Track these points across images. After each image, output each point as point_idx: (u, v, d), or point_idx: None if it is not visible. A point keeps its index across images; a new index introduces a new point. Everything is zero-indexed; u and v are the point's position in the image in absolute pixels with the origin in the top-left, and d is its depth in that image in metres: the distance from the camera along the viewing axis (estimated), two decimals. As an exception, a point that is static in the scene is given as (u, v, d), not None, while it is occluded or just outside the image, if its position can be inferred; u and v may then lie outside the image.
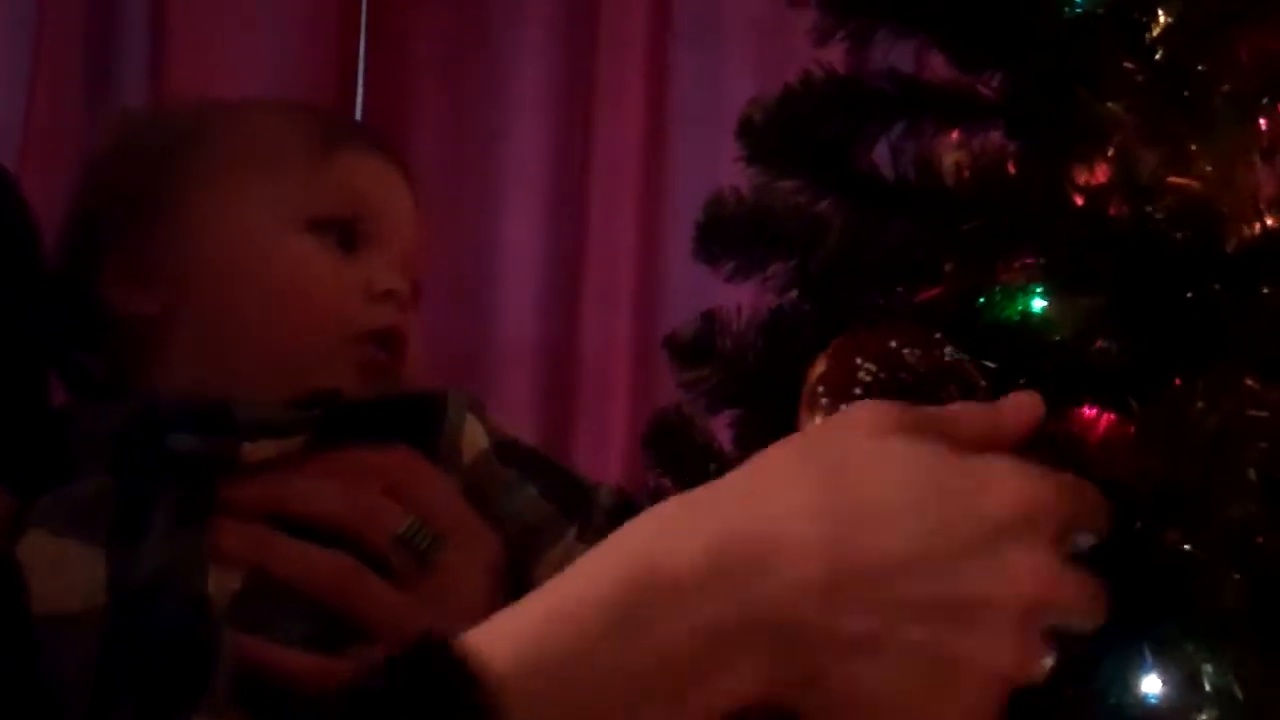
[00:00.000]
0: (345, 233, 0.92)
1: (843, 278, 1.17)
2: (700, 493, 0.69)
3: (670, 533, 0.67)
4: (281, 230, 0.89)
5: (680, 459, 1.26)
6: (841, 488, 0.66)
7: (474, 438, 0.90)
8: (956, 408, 0.75)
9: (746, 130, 1.22)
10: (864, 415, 0.71)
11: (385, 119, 2.40)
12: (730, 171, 2.42)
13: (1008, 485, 0.67)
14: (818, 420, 0.79)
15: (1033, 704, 0.71)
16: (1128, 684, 0.84)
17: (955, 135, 1.29)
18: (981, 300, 1.19)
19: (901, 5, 1.34)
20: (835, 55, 2.35)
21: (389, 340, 0.91)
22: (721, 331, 1.30)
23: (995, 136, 1.32)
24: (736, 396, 1.26)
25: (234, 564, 0.80)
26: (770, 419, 1.32)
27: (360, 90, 2.40)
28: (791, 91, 1.22)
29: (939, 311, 1.22)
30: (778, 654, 0.65)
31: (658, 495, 1.41)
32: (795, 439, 0.72)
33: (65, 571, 0.78)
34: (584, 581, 0.66)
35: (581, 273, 2.42)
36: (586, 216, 2.42)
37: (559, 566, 0.72)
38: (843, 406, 0.76)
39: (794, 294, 1.39)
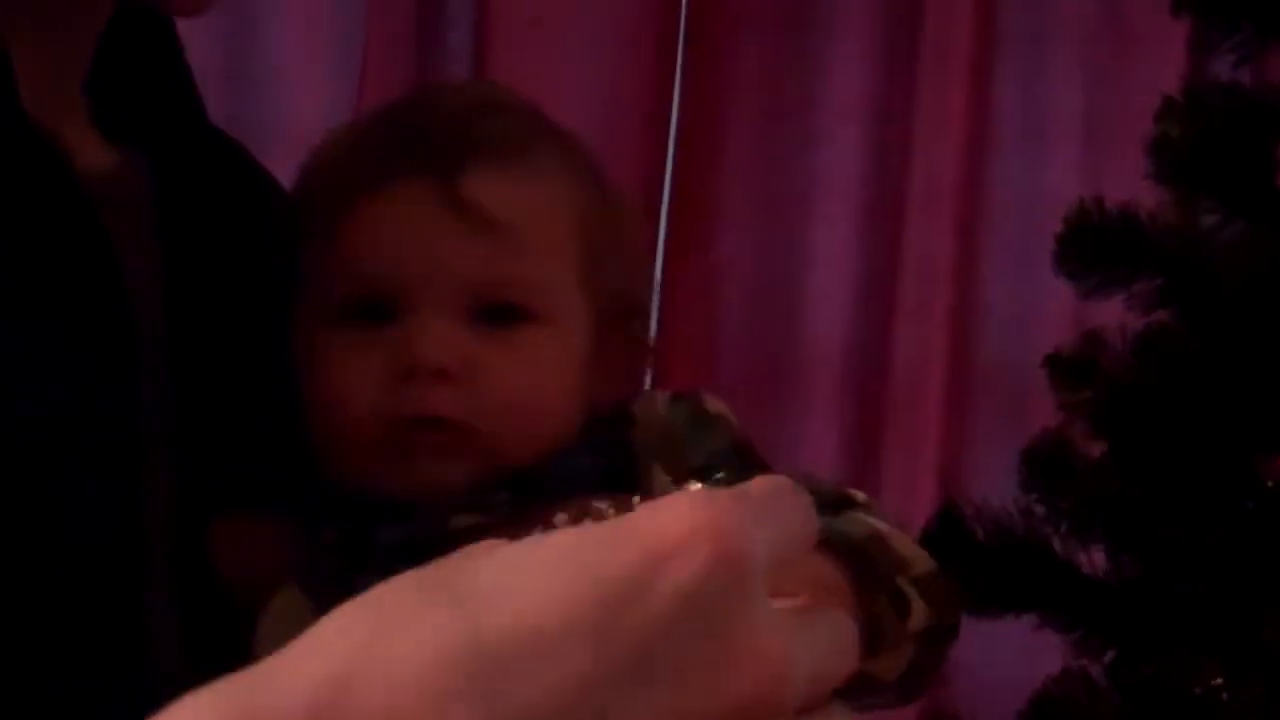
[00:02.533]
0: (367, 312, 0.80)
1: (1250, 301, 1.10)
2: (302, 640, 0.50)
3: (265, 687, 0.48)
4: (312, 328, 0.81)
5: (1058, 482, 1.21)
6: (476, 615, 0.46)
7: (665, 488, 0.83)
8: None
9: (1162, 147, 1.15)
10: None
11: (700, 121, 2.39)
12: (1057, 183, 2.37)
13: (673, 529, 0.46)
14: None
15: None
16: None
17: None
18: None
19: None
20: (1173, 66, 2.28)
21: (425, 427, 0.79)
22: (1104, 352, 1.25)
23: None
24: (1117, 419, 1.20)
25: None
26: (1147, 444, 1.27)
27: (676, 96, 2.40)
28: (1197, 104, 1.14)
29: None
30: None
31: (1029, 517, 1.38)
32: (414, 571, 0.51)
33: (292, 634, 0.78)
34: None
35: (895, 285, 2.38)
36: (902, 228, 2.38)
37: None
38: None
39: (1162, 313, 1.34)
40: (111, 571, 0.71)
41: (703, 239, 2.43)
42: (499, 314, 0.80)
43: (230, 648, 0.75)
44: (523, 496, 0.79)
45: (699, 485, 0.50)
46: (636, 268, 0.89)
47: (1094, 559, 1.30)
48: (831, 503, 0.82)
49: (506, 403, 0.79)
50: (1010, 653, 2.06)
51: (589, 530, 0.47)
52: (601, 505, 0.54)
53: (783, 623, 0.46)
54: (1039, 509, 1.28)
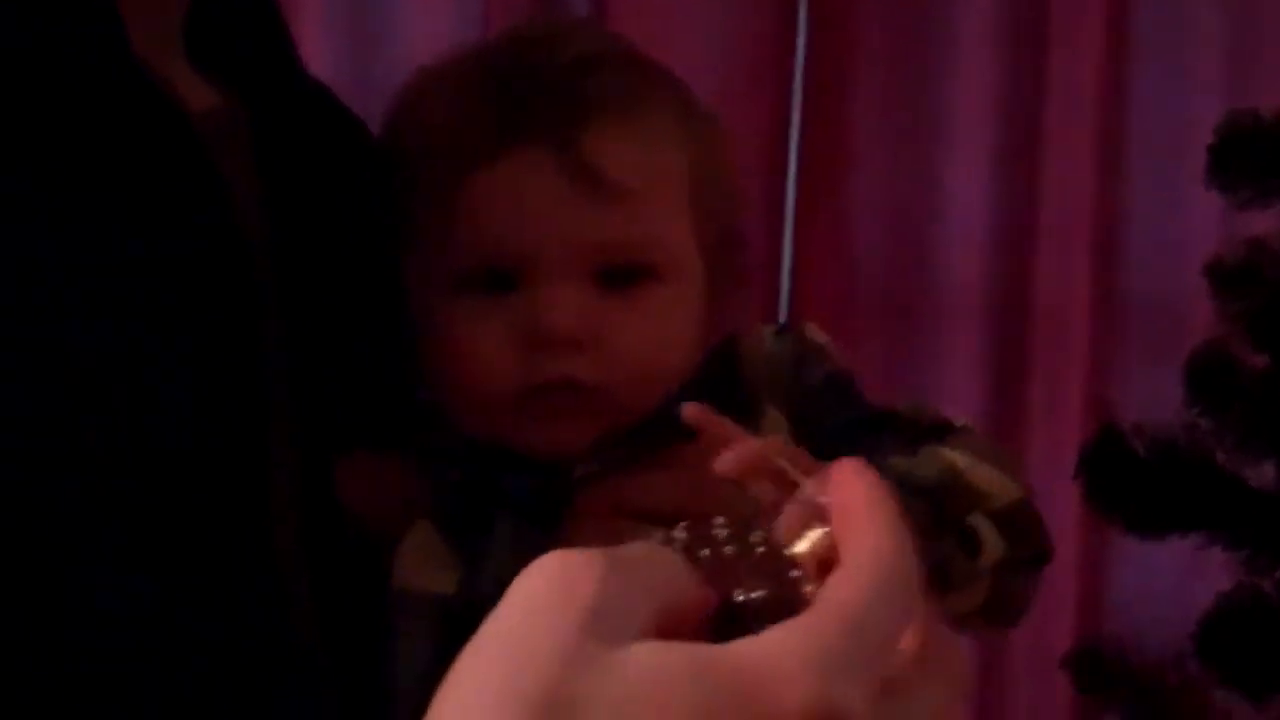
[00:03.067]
0: (493, 280, 0.81)
1: None
2: None
3: None
4: (432, 293, 0.81)
5: (1224, 395, 1.16)
6: None
7: (778, 430, 0.83)
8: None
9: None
10: (552, 601, 0.46)
11: (827, 54, 2.35)
12: (1200, 101, 2.31)
13: (784, 702, 0.45)
14: None
15: None
16: None
17: None
18: None
19: None
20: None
21: (559, 391, 0.81)
22: (1266, 259, 1.20)
23: None
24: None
25: None
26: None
27: (802, 26, 2.36)
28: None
29: None
30: None
31: (1194, 431, 1.34)
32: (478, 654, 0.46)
33: (430, 566, 0.79)
34: None
35: (1035, 215, 2.31)
36: (1040, 155, 2.31)
37: None
38: None
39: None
40: (240, 512, 0.71)
41: (835, 174, 2.39)
42: (623, 275, 0.81)
43: (354, 583, 0.77)
44: (640, 443, 0.80)
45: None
46: (732, 193, 0.88)
47: (1262, 473, 1.26)
48: (928, 431, 0.84)
49: (636, 363, 0.81)
50: (1172, 574, 2.02)
51: (702, 676, 0.45)
52: (718, 523, 0.51)
53: None
54: (1204, 423, 1.24)
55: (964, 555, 0.80)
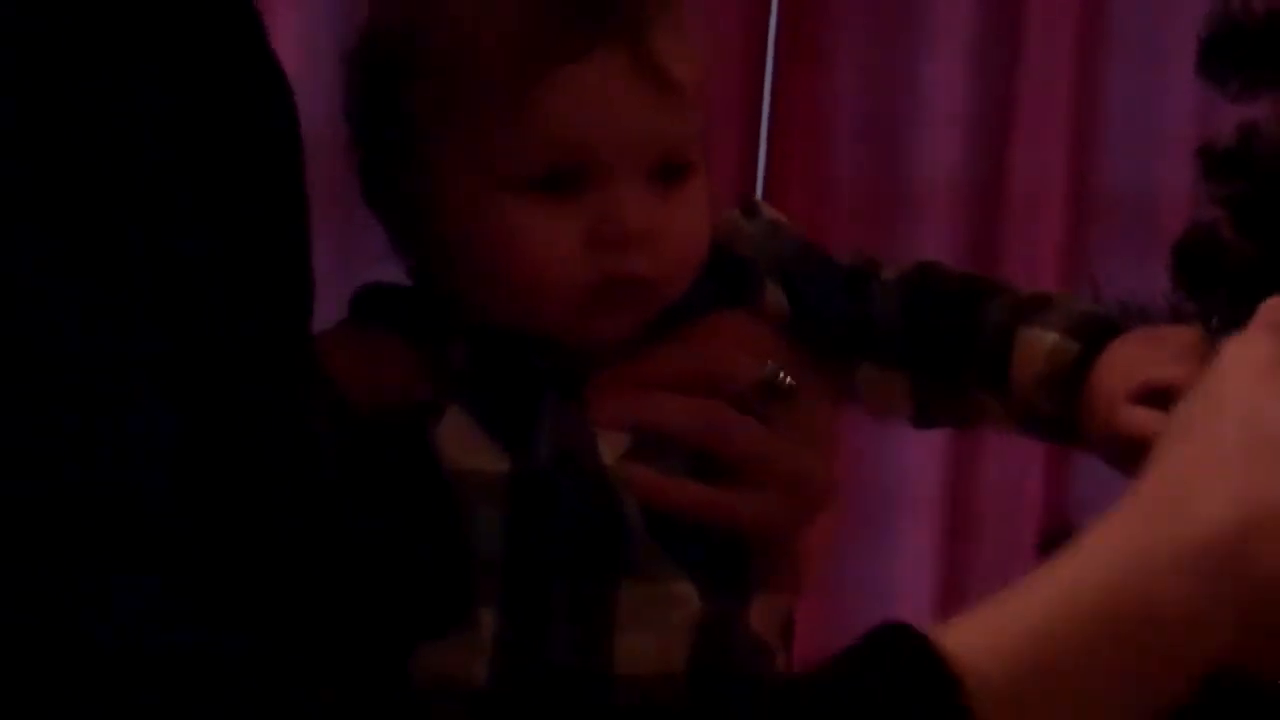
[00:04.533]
0: (562, 180, 0.83)
1: None
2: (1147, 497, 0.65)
3: (1145, 551, 0.63)
4: (492, 194, 0.83)
5: (1209, 279, 1.17)
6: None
7: (777, 303, 0.89)
8: None
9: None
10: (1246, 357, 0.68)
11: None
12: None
13: None
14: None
15: None
16: None
17: None
18: None
19: None
20: None
21: (625, 286, 0.84)
22: (1260, 143, 1.21)
23: None
24: (1271, 212, 1.16)
25: (617, 428, 0.85)
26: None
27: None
28: None
29: None
30: (1245, 626, 0.62)
31: (1178, 315, 1.35)
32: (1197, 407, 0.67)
33: (475, 446, 0.82)
34: (1065, 603, 0.64)
35: (1012, 111, 2.32)
36: (1018, 49, 2.32)
37: None
38: None
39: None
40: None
41: (812, 64, 2.39)
42: (672, 171, 0.84)
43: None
44: (658, 326, 0.85)
45: None
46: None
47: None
48: (972, 288, 0.91)
49: (684, 256, 0.85)
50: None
51: None
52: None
53: None
54: (1189, 307, 1.25)
55: None
